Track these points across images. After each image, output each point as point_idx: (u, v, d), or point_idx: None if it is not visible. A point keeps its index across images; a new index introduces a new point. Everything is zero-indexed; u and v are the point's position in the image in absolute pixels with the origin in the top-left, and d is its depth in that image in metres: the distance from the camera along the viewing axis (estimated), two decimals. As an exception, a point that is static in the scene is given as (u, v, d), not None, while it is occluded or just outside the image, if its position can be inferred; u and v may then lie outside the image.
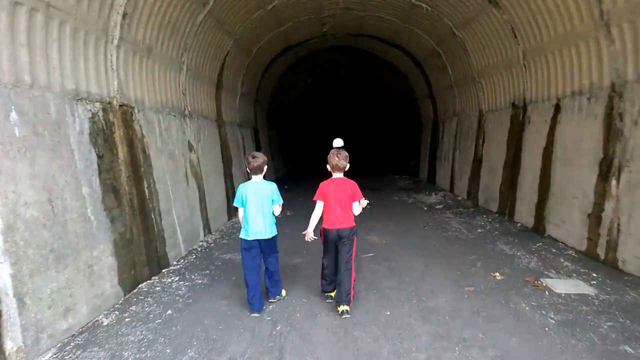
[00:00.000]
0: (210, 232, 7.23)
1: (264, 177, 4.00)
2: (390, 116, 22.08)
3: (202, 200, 7.09)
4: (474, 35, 8.03)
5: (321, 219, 3.92)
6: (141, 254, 4.86)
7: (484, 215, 7.88)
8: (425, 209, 9.15)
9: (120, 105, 4.77)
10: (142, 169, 5.12)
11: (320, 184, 3.93)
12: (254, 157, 3.81)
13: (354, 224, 3.87)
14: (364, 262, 5.30)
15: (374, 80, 19.76)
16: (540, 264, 4.98)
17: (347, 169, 3.92)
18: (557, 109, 5.91)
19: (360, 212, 3.96)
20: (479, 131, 9.13)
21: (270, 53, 11.73)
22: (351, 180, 3.92)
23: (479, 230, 6.77)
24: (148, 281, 4.84)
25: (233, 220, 8.54)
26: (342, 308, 3.75)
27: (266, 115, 15.14)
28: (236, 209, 4.06)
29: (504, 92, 7.78)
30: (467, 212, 8.35)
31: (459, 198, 10.02)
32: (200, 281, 4.82)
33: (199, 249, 6.27)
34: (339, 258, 3.83)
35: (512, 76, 7.25)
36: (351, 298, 3.82)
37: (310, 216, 3.94)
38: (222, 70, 8.71)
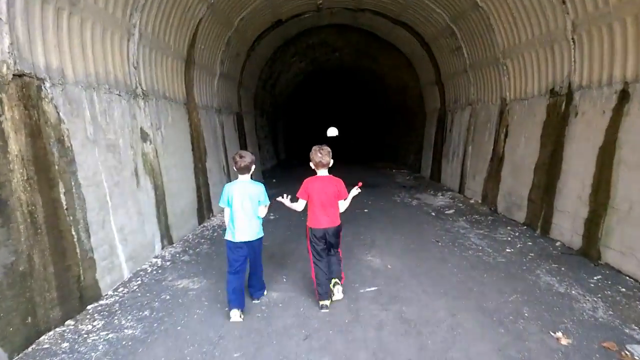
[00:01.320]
0: (170, 243, 5.78)
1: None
2: (389, 105, 20.59)
3: (161, 203, 5.62)
4: (503, 5, 6.54)
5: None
6: (49, 289, 3.40)
7: (508, 227, 6.47)
8: (433, 214, 7.75)
9: (15, 76, 3.26)
10: (56, 168, 3.62)
11: (305, 180, 3.82)
12: (241, 157, 3.65)
13: (340, 222, 3.87)
14: (364, 303, 3.88)
15: (372, 66, 18.22)
16: (611, 313, 3.56)
17: (330, 164, 3.80)
18: (624, 96, 4.48)
19: (348, 207, 3.92)
20: (500, 124, 7.70)
21: (257, 28, 10.15)
22: (336, 178, 3.85)
23: (508, 250, 5.37)
24: (57, 329, 3.39)
25: (205, 224, 7.08)
26: (334, 280, 3.98)
27: (253, 101, 13.59)
28: (220, 209, 3.46)
29: (538, 76, 6.33)
30: (486, 222, 6.95)
31: (471, 201, 8.62)
32: (130, 332, 3.37)
33: (150, 270, 4.81)
34: (331, 257, 3.93)
35: (553, 55, 5.79)
36: (342, 275, 4.13)
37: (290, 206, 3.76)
38: (193, 42, 7.15)
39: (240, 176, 3.69)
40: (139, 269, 4.81)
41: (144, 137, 5.38)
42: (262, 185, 3.78)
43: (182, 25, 6.59)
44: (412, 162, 16.07)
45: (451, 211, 7.89)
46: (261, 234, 3.77)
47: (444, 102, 11.33)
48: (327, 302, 3.76)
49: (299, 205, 3.80)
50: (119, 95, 4.85)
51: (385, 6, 10.23)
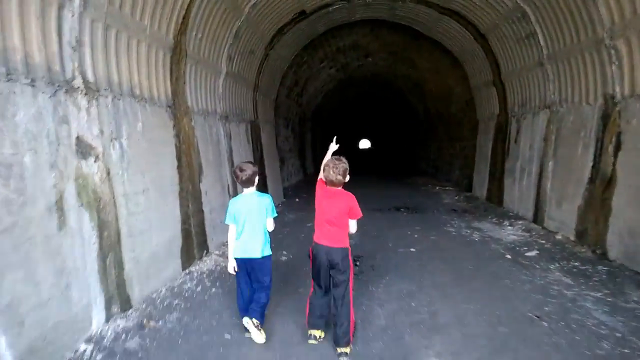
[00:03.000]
0: (126, 307, 3.91)
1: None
2: (428, 114, 18.44)
3: (111, 248, 3.78)
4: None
5: None
6: None
7: (641, 287, 4.24)
8: (509, 256, 5.58)
9: None
10: None
11: (318, 183, 3.32)
12: (241, 170, 3.40)
13: (347, 245, 3.22)
14: None
15: (409, 72, 16.20)
16: None
17: (344, 182, 3.21)
18: None
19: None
20: (603, 132, 5.49)
21: (274, 20, 8.37)
22: (349, 194, 3.24)
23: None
24: None
25: (192, 268, 5.22)
26: (341, 350, 3.14)
27: (274, 109, 11.81)
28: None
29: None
30: (597, 274, 4.72)
31: (558, 237, 6.36)
32: None
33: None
34: (335, 292, 3.21)
35: None
36: (351, 338, 3.20)
37: None
38: (184, 27, 5.40)
39: (244, 189, 3.49)
40: (53, 366, 2.95)
41: (85, 151, 3.57)
42: (269, 196, 3.56)
43: (166, 1, 4.84)
44: (458, 178, 13.87)
45: (533, 252, 5.69)
46: (268, 252, 3.47)
47: (505, 106, 9.14)
48: (317, 333, 3.32)
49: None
50: (31, 85, 3.07)
51: (432, -11, 8.27)
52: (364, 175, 19.22)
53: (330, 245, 3.17)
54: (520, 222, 7.55)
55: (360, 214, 3.23)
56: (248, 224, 3.39)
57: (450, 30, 9.74)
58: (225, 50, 6.96)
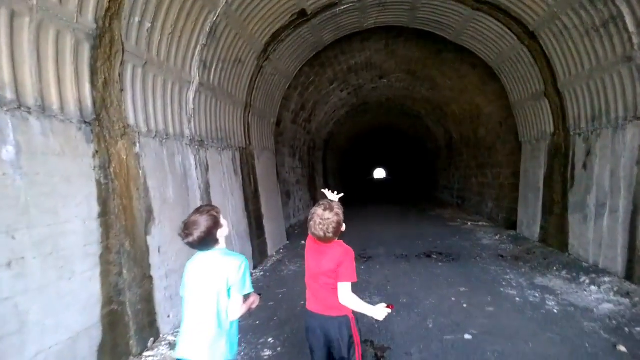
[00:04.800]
0: None
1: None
2: (449, 139, 16.55)
3: None
4: None
5: None
6: None
7: None
8: (623, 349, 3.49)
9: None
10: None
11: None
12: (187, 228, 2.19)
13: (345, 312, 2.40)
14: None
15: (428, 93, 14.46)
16: None
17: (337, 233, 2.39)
18: None
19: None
20: None
21: (266, 20, 6.64)
22: (343, 246, 2.42)
23: None
24: None
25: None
26: None
27: (276, 136, 10.02)
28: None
29: None
30: None
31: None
32: None
33: None
34: None
35: None
36: None
37: None
38: (114, 3, 3.63)
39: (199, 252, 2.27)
40: None
41: None
42: (240, 259, 2.24)
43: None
44: (492, 212, 11.84)
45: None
46: (229, 357, 2.20)
47: (563, 122, 7.15)
48: None
49: None
50: None
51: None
52: (380, 207, 17.29)
53: (320, 312, 2.46)
54: (606, 278, 5.41)
55: (352, 277, 2.38)
56: (194, 305, 2.22)
57: (486, 33, 7.92)
58: (196, 51, 5.20)
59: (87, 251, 3.21)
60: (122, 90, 3.79)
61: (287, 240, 9.48)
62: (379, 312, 2.34)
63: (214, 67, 5.77)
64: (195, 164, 5.30)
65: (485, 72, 10.00)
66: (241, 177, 7.07)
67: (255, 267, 7.07)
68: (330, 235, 2.37)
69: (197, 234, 2.18)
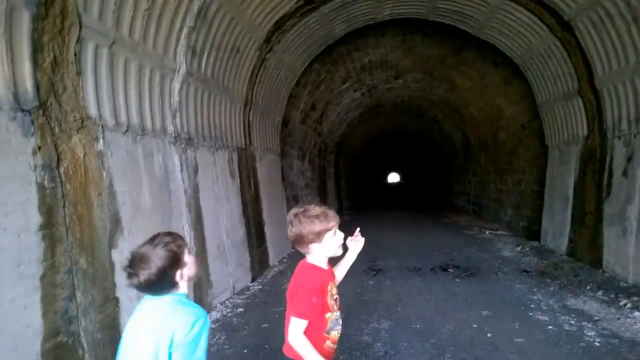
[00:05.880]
0: None
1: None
2: (467, 143, 15.70)
3: None
4: None
5: None
6: None
7: None
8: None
9: None
10: None
11: None
12: (132, 263, 1.64)
13: (294, 356, 1.85)
14: None
15: (446, 94, 13.66)
16: None
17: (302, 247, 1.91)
18: None
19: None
20: None
21: (267, 4, 5.98)
22: (302, 270, 1.94)
23: None
24: None
25: None
26: None
27: (281, 136, 9.35)
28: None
29: None
30: None
31: None
32: None
33: None
34: None
35: None
36: None
37: None
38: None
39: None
40: None
41: None
42: (197, 314, 1.64)
43: None
44: (512, 220, 11.03)
45: None
46: None
47: (599, 123, 6.34)
48: None
49: None
50: None
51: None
52: (393, 213, 16.56)
53: (284, 350, 1.93)
54: (651, 302, 4.62)
55: (300, 313, 1.78)
56: None
57: (513, 25, 7.14)
58: (184, 36, 4.55)
59: (21, 272, 2.57)
60: (79, 73, 3.15)
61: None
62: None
63: (205, 55, 5.13)
64: (181, 164, 4.66)
65: (508, 70, 9.22)
66: (239, 180, 6.42)
67: (253, 280, 6.42)
68: (297, 247, 1.93)
69: (143, 275, 1.60)
